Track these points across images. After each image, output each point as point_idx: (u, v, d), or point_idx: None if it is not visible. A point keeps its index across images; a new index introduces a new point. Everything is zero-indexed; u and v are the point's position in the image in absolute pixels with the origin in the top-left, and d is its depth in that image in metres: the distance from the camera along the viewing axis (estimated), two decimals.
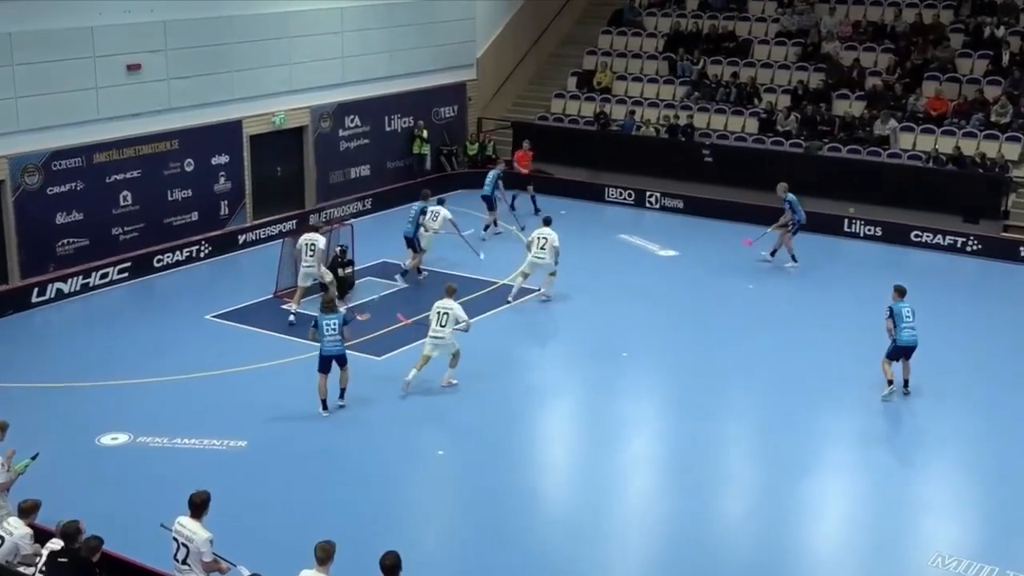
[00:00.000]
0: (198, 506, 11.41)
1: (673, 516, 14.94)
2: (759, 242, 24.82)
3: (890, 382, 17.74)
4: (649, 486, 15.97)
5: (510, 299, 22.08)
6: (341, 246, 23.14)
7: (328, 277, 21.56)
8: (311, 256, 21.14)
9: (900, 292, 18.05)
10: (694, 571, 13.58)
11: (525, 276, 22.19)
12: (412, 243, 23.11)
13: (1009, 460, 16.23)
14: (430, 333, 18.05)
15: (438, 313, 17.97)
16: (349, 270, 22.89)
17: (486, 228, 26.71)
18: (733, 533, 14.65)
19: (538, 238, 21.87)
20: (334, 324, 17.19)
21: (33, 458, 13.12)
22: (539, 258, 21.84)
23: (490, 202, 26.65)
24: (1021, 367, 19.41)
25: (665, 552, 14.17)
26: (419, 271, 23.52)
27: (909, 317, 17.65)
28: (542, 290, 22.25)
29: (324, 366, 17.28)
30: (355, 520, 14.34)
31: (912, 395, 17.95)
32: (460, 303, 18.30)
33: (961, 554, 13.72)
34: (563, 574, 13.49)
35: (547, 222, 22.37)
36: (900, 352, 17.76)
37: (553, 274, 22.03)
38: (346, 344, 17.40)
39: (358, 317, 18.95)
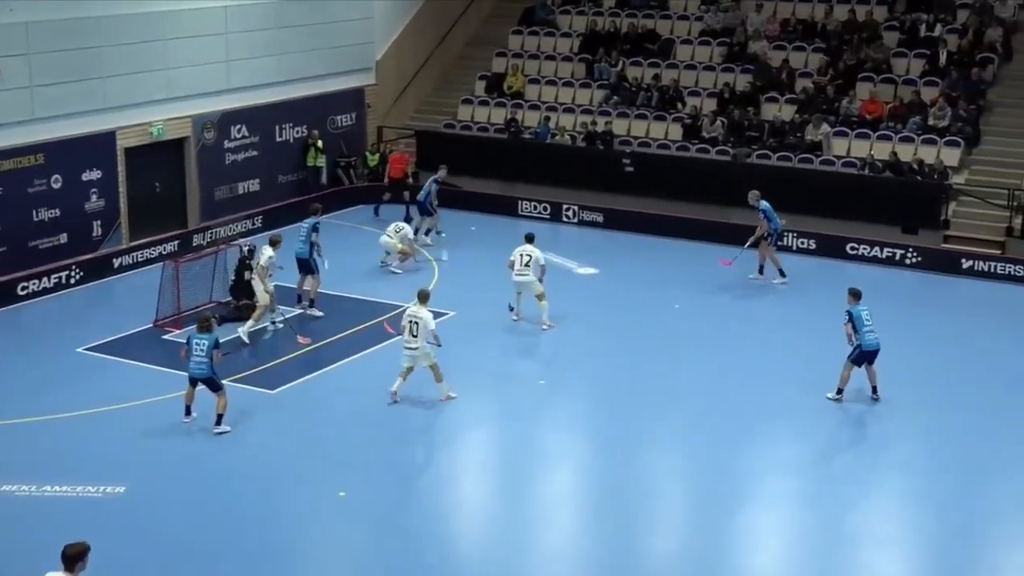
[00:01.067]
0: (72, 559, 11.20)
1: (596, 556, 15.01)
2: (738, 261, 25.16)
3: (840, 391, 18.75)
4: (570, 522, 16.04)
5: (514, 318, 22.59)
6: (249, 246, 23.26)
7: (269, 288, 21.90)
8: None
9: (856, 295, 18.81)
10: None
11: (518, 294, 22.40)
12: (307, 265, 22.98)
13: (951, 484, 16.61)
14: (404, 344, 18.74)
15: (410, 322, 18.67)
16: (247, 275, 22.80)
17: (427, 232, 27.68)
18: (661, 569, 14.78)
19: (520, 255, 22.06)
20: (204, 345, 17.48)
21: None
22: (522, 275, 21.95)
23: (423, 207, 27.61)
24: (966, 387, 19.91)
25: None
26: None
27: (869, 320, 18.44)
28: (543, 319, 22.23)
29: (192, 383, 17.78)
30: (251, 567, 14.23)
31: (851, 416, 18.28)
32: (366, 326, 18.39)
33: None
34: None
35: (529, 239, 22.61)
36: (865, 356, 18.49)
37: (541, 297, 22.05)
38: (239, 375, 17.46)
39: (299, 339, 20.31)
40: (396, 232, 25.56)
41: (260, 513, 15.75)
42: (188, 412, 18.02)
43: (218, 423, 17.77)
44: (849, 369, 18.68)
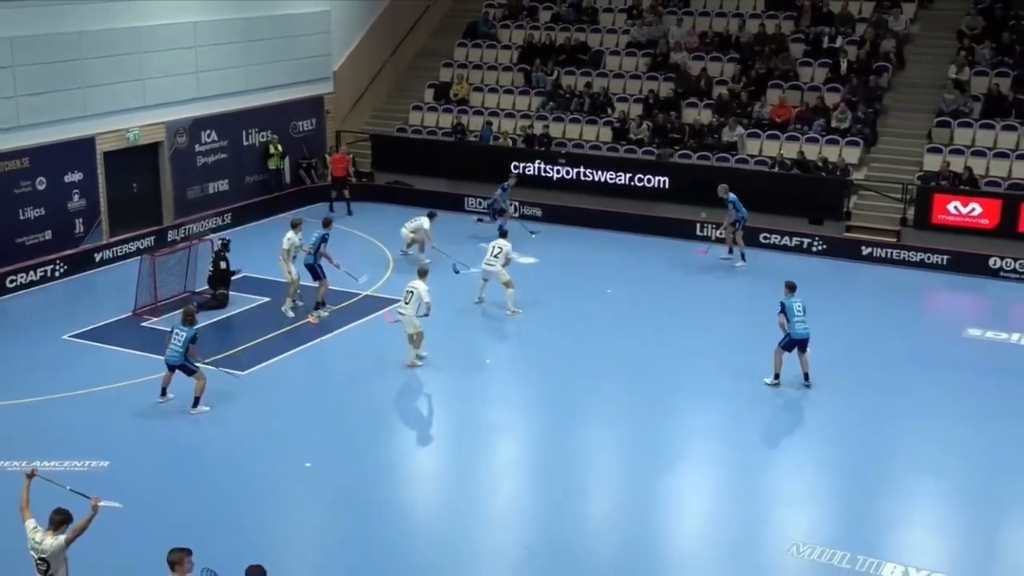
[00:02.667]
0: (58, 523, 11.21)
1: (541, 518, 15.13)
2: (711, 249, 26.28)
3: (777, 375, 18.70)
4: (516, 488, 16.12)
5: (476, 300, 22.80)
6: (223, 240, 23.12)
7: (292, 270, 21.93)
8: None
9: (791, 288, 18.88)
10: (560, 569, 13.77)
11: (484, 281, 22.63)
12: (314, 271, 22.17)
13: (857, 451, 16.87)
14: (397, 309, 19.63)
15: (406, 292, 19.34)
16: (223, 265, 22.72)
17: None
18: (598, 532, 14.88)
19: (492, 247, 22.39)
20: (182, 337, 17.52)
21: None
22: (489, 265, 22.24)
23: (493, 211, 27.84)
24: (870, 362, 20.21)
25: (533, 553, 14.29)
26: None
27: (800, 312, 18.42)
28: (509, 305, 22.28)
29: (169, 368, 17.80)
30: (222, 533, 14.18)
31: (769, 392, 18.49)
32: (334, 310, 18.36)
33: (815, 542, 14.21)
34: None
35: (503, 234, 22.99)
36: (794, 343, 18.48)
37: (508, 285, 22.12)
38: (208, 360, 17.51)
39: (310, 319, 21.39)
40: (412, 222, 25.46)
41: (232, 484, 15.70)
42: (163, 393, 17.98)
43: (195, 404, 17.68)
44: (779, 355, 18.64)
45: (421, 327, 19.31)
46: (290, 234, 22.13)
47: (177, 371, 17.74)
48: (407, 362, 19.42)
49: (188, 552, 10.70)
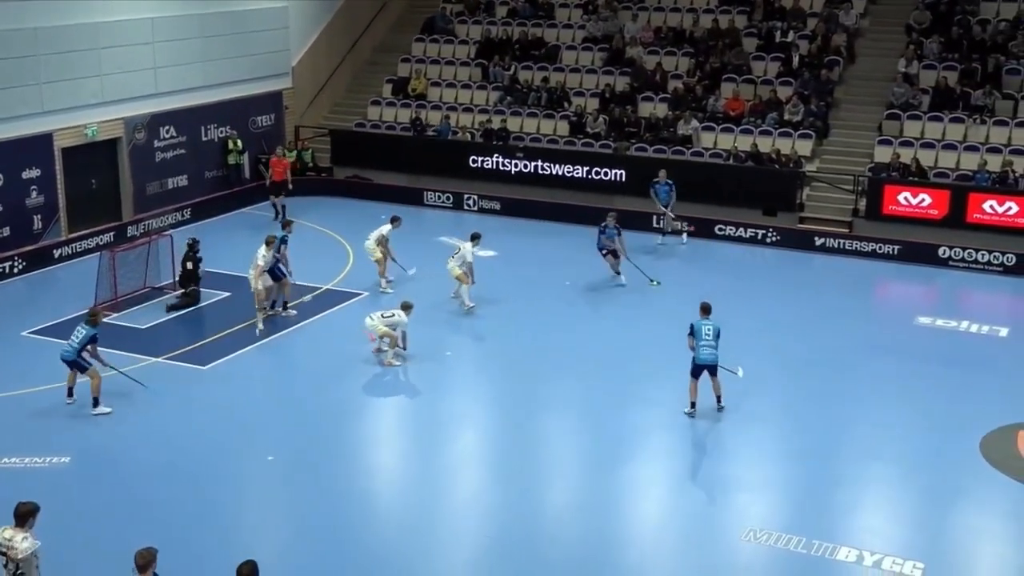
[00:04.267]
0: (23, 516, 11.07)
1: (500, 506, 15.13)
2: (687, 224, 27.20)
3: (692, 404, 17.38)
4: (476, 478, 16.11)
5: (452, 295, 22.44)
6: (191, 239, 22.80)
7: (259, 286, 21.09)
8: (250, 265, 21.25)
9: (705, 310, 17.56)
10: (522, 558, 13.80)
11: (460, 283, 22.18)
12: (274, 273, 21.59)
13: (810, 438, 16.99)
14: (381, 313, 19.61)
15: (389, 313, 19.48)
16: (190, 265, 22.43)
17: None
18: (558, 520, 14.90)
19: (457, 247, 22.20)
20: (80, 335, 17.36)
21: None
22: (449, 265, 22.00)
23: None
24: (823, 350, 20.35)
25: (495, 542, 14.33)
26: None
27: (708, 335, 17.07)
28: (465, 301, 22.04)
29: (65, 363, 17.48)
30: (187, 528, 14.07)
31: (722, 379, 18.55)
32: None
33: (771, 527, 14.31)
34: (398, 569, 13.52)
35: (472, 237, 22.53)
36: (699, 369, 17.18)
37: (460, 280, 21.95)
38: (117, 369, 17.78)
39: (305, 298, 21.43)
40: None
41: (195, 476, 15.58)
42: (69, 394, 17.66)
43: (95, 405, 17.40)
44: (693, 383, 17.31)
45: (395, 335, 19.43)
46: (263, 251, 21.13)
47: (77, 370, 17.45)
48: (385, 360, 19.42)
49: (155, 553, 10.50)
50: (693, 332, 17.25)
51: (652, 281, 23.69)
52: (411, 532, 14.47)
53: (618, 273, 23.69)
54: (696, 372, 17.28)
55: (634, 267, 23.70)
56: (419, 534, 14.38)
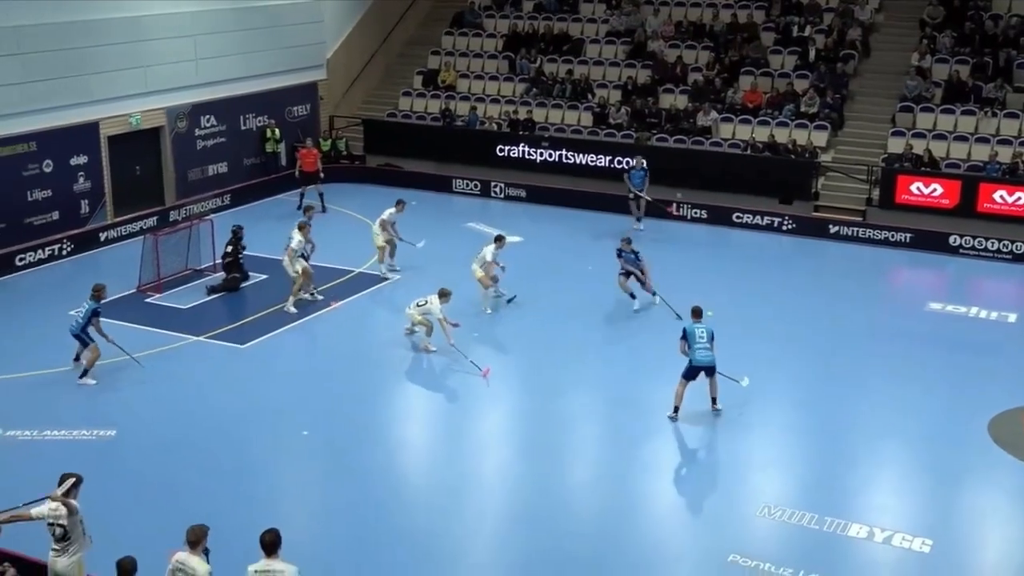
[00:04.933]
0: (69, 486, 11.12)
1: (526, 483, 15.15)
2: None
3: (676, 408, 16.67)
4: (502, 456, 16.14)
5: (493, 294, 21.48)
6: (235, 227, 22.76)
7: (297, 268, 21.09)
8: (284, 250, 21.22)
9: (696, 313, 16.96)
10: (544, 529, 13.84)
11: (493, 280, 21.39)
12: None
13: (824, 419, 16.95)
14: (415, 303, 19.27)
15: (421, 302, 19.13)
16: (230, 249, 22.44)
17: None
18: (581, 497, 14.94)
19: (482, 248, 21.37)
20: (84, 309, 17.66)
21: None
22: (473, 268, 21.22)
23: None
24: (837, 335, 20.25)
25: (519, 519, 14.36)
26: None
27: (703, 338, 16.54)
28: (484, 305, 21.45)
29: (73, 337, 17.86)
30: (224, 499, 14.18)
31: (737, 363, 18.41)
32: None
33: (785, 504, 14.29)
34: (423, 545, 13.57)
35: (496, 239, 21.53)
36: (695, 371, 16.60)
37: (481, 283, 21.17)
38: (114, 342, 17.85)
39: (332, 304, 20.96)
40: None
41: (232, 450, 15.71)
42: (77, 359, 18.07)
43: (83, 375, 17.71)
44: (682, 386, 16.62)
45: (430, 323, 19.09)
46: (297, 236, 21.21)
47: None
48: (421, 345, 19.35)
49: (207, 530, 10.41)
50: (686, 336, 16.65)
51: (678, 316, 20.15)
52: (434, 504, 14.54)
53: (634, 297, 21.23)
54: (691, 374, 16.58)
55: (663, 301, 21.21)
56: (443, 505, 14.45)
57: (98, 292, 17.87)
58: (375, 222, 23.29)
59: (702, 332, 16.63)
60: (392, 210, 23.15)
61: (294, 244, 21.12)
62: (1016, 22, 29.28)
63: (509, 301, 21.30)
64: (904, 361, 19.11)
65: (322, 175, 28.75)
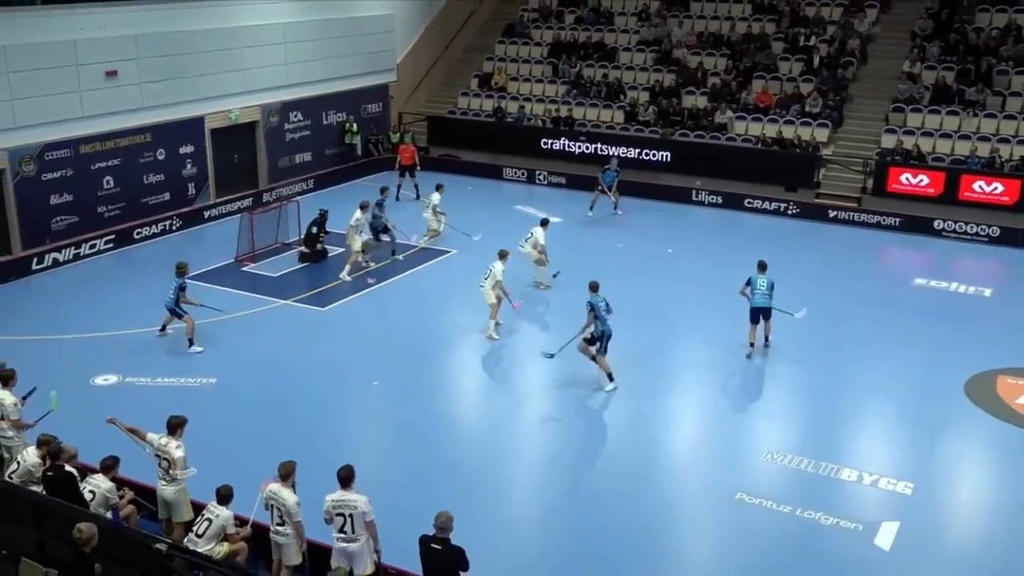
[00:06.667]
0: (175, 427, 11.31)
1: (560, 429, 15.18)
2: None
3: (752, 344, 17.33)
4: (541, 407, 16.10)
5: (546, 284, 20.84)
6: (321, 210, 22.67)
7: (356, 246, 21.15)
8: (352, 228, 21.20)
9: (761, 267, 17.41)
10: (576, 468, 13.91)
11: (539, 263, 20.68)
12: (375, 231, 21.80)
13: (822, 376, 16.84)
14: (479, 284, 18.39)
15: (489, 270, 18.06)
16: (315, 230, 22.39)
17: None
18: (606, 441, 14.98)
19: (529, 232, 20.62)
20: (173, 286, 17.32)
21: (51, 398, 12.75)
22: (521, 247, 20.60)
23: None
24: (838, 305, 20.04)
25: (560, 460, 14.43)
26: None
27: (763, 286, 17.09)
28: (543, 281, 20.85)
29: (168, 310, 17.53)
30: (308, 438, 14.34)
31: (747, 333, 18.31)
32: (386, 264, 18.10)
33: (786, 450, 14.25)
34: (470, 477, 13.68)
35: (542, 223, 20.81)
36: (755, 313, 17.18)
37: (539, 263, 20.57)
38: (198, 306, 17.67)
39: (369, 280, 20.50)
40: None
41: (314, 397, 15.88)
42: (163, 329, 17.83)
43: (190, 344, 17.42)
44: (752, 328, 17.27)
45: (495, 300, 18.14)
46: (358, 213, 21.22)
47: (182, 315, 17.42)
48: (485, 332, 18.36)
49: (295, 465, 10.45)
50: (749, 283, 17.23)
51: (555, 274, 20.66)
52: (484, 443, 14.63)
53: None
54: (754, 317, 17.25)
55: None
56: (491, 445, 14.55)
57: (182, 269, 17.51)
58: (427, 208, 23.45)
59: (763, 282, 17.19)
60: (437, 195, 23.41)
61: (353, 221, 21.28)
62: (996, 33, 28.67)
63: (555, 276, 21.23)
64: (893, 328, 18.89)
65: (419, 167, 28.47)
